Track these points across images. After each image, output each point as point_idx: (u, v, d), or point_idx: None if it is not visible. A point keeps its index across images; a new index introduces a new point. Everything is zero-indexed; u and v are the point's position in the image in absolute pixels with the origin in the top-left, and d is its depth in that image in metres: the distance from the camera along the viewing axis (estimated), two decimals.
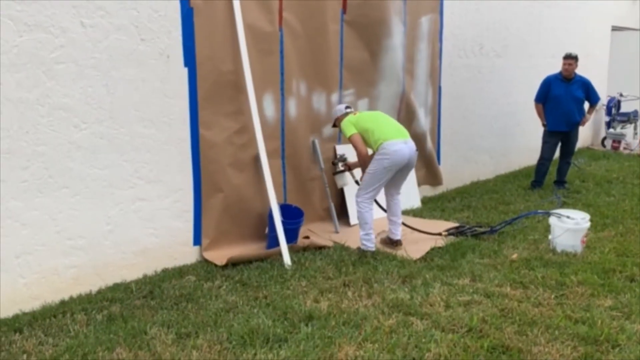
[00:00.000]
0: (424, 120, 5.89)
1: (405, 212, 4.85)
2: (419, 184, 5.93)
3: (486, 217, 4.92)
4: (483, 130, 6.85)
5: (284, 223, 3.89)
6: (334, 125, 4.32)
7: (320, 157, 4.65)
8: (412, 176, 5.68)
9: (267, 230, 4.07)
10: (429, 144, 6.00)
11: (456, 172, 6.50)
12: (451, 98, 6.32)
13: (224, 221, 4.02)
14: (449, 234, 4.47)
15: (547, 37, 7.43)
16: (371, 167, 3.75)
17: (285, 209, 4.16)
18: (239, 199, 4.06)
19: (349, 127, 3.92)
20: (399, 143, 3.73)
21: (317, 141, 4.67)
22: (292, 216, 4.12)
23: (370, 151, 3.85)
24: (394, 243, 4.17)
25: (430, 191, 6.14)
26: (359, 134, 3.81)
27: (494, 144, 6.98)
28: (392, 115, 5.52)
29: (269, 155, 4.14)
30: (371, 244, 3.92)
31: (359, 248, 4.04)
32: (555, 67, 6.58)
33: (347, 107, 4.25)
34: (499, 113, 7.01)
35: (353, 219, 4.56)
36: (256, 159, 4.10)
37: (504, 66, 6.87)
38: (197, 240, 4.01)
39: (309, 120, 4.68)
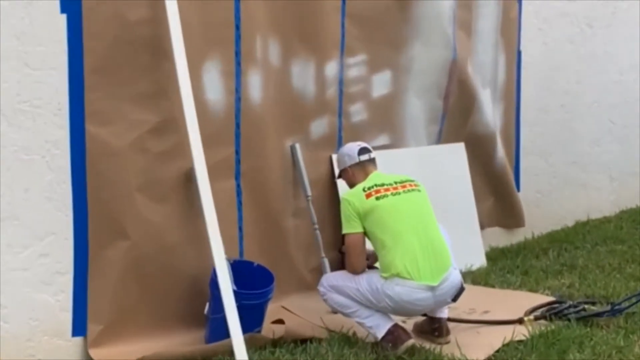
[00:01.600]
0: (490, 112, 5.90)
1: (462, 275, 4.71)
2: (483, 226, 5.89)
3: (603, 287, 4.94)
4: (597, 130, 6.79)
5: (238, 295, 3.94)
6: (339, 177, 4.46)
7: (304, 174, 4.74)
8: (469, 214, 5.64)
9: (207, 307, 4.09)
10: (501, 153, 6.02)
11: (549, 203, 6.50)
12: (539, 72, 6.33)
13: (129, 291, 4.08)
14: (537, 318, 4.44)
15: None
16: (362, 279, 3.98)
17: (241, 270, 4.19)
18: (157, 250, 4.13)
19: (349, 217, 4.05)
20: (423, 291, 3.89)
21: (298, 147, 4.76)
22: (254, 283, 4.15)
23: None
24: (436, 330, 4.15)
25: (503, 238, 6.15)
26: (362, 236, 4.03)
27: (617, 155, 6.92)
28: (435, 105, 5.57)
29: (214, 172, 4.16)
30: (383, 327, 3.95)
31: (375, 344, 4.02)
32: None
33: (362, 151, 4.28)
34: (625, 99, 6.92)
35: None
36: (189, 179, 4.14)
37: (635, 14, 6.81)
38: (79, 328, 3.96)
39: (285, 109, 4.78)
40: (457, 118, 5.65)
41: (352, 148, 4.25)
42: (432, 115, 5.60)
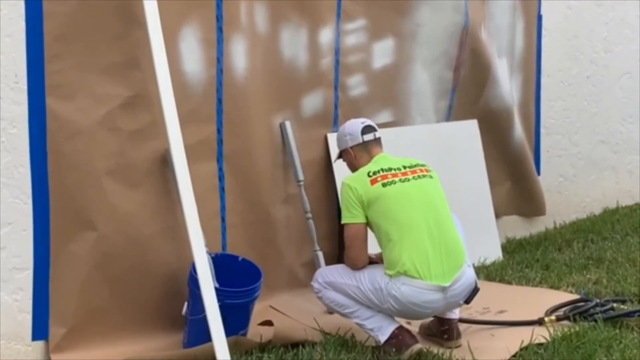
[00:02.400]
0: (507, 85, 5.93)
1: (476, 270, 4.66)
2: (499, 214, 5.93)
3: (634, 283, 4.93)
4: (628, 105, 6.85)
5: (220, 294, 3.89)
6: (340, 157, 4.38)
7: (296, 156, 4.77)
8: (483, 201, 5.64)
9: (185, 308, 4.09)
10: (519, 132, 6.05)
11: (573, 188, 6.54)
12: (563, 39, 6.38)
13: (97, 290, 4.05)
14: (559, 318, 4.43)
15: None
16: (363, 275, 3.98)
17: (224, 265, 4.21)
18: (128, 243, 4.12)
19: (350, 205, 4.01)
20: (433, 292, 3.86)
21: (289, 125, 4.77)
22: (239, 279, 4.15)
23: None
24: (446, 332, 4.15)
25: (521, 228, 6.19)
26: (364, 227, 3.99)
27: None
28: (445, 76, 5.58)
29: (193, 153, 4.17)
30: (386, 330, 3.96)
31: (377, 349, 4.03)
32: None
33: (366, 129, 4.23)
34: None
35: None
36: (165, 163, 4.16)
37: None
38: (40, 331, 3.94)
39: (273, 82, 4.74)
40: (469, 92, 5.67)
41: (354, 126, 4.21)
42: (441, 89, 5.60)
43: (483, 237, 5.51)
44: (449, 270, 3.91)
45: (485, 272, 5.30)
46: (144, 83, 4.10)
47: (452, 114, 5.67)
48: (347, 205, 4.01)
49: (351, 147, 4.18)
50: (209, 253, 4.09)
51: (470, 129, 5.67)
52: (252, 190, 4.67)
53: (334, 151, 4.75)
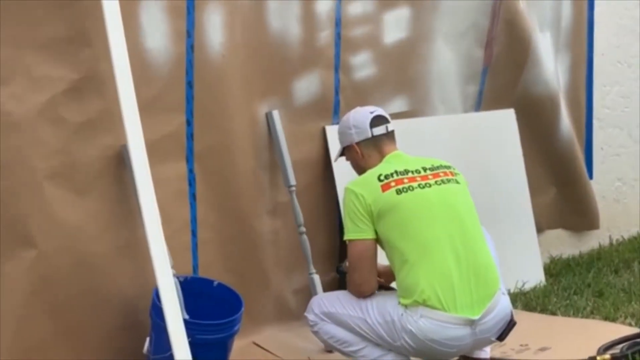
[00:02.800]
0: (552, 66, 5.97)
1: (511, 298, 4.63)
2: (542, 228, 5.98)
3: None
4: None
5: (191, 327, 3.90)
6: (342, 155, 4.35)
7: (285, 154, 4.82)
8: (522, 212, 5.67)
9: (146, 345, 4.13)
10: (566, 124, 6.09)
11: (634, 196, 6.60)
12: (619, 10, 6.46)
13: (37, 321, 4.06)
14: (615, 357, 4.41)
15: None
16: (371, 305, 3.98)
17: (196, 292, 4.27)
18: (75, 263, 4.16)
19: (356, 217, 3.98)
20: (458, 327, 3.84)
21: (277, 115, 4.82)
22: (214, 309, 4.19)
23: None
24: None
25: (569, 244, 6.27)
26: (373, 244, 3.98)
27: None
28: (474, 54, 5.61)
29: (156, 151, 4.25)
30: None
31: None
32: None
33: (377, 121, 4.19)
34: None
35: None
36: (121, 163, 4.23)
37: None
38: None
39: (258, 61, 4.80)
40: (504, 74, 5.70)
41: (361, 117, 4.18)
42: (469, 70, 5.63)
43: (521, 256, 5.52)
44: (478, 300, 3.88)
45: (524, 300, 5.32)
46: (94, 63, 4.11)
47: (482, 101, 5.69)
48: (351, 217, 3.98)
49: (357, 143, 4.15)
50: (177, 276, 4.10)
51: (505, 120, 5.69)
52: (231, 197, 4.69)
53: (334, 148, 4.74)
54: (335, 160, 4.50)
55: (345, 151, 4.25)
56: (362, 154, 4.13)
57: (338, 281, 4.85)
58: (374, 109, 4.26)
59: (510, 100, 5.75)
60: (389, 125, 4.17)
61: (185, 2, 4.44)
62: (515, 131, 5.67)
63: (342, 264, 4.46)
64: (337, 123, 4.70)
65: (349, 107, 4.61)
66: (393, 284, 4.12)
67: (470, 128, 5.54)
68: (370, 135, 4.12)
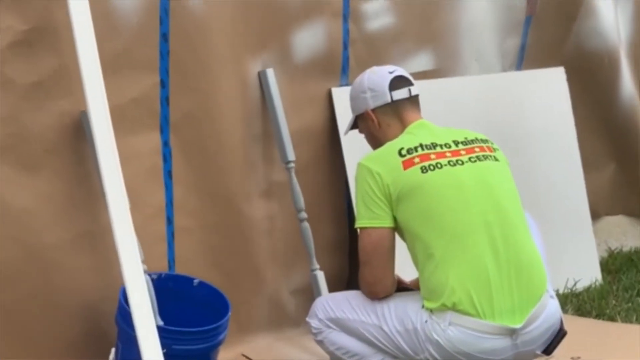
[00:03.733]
0: (611, 16, 5.99)
1: (561, 300, 4.61)
2: (598, 213, 6.05)
3: None
4: None
5: (166, 336, 3.90)
6: (355, 127, 4.36)
7: (283, 124, 4.85)
8: (574, 193, 5.69)
9: (112, 355, 4.19)
10: (628, 86, 6.10)
11: None
12: None
13: None
14: None
15: None
16: (388, 308, 4.01)
17: (173, 292, 4.32)
18: (25, 257, 4.20)
19: (370, 201, 3.98)
20: (496, 337, 3.85)
21: (272, 75, 4.86)
22: (195, 314, 4.25)
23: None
24: None
25: (631, 233, 6.27)
26: (391, 233, 3.99)
27: None
28: (512, 2, 5.55)
29: (124, 119, 4.31)
30: None
31: None
32: None
33: (397, 82, 4.18)
34: None
35: None
36: (80, 133, 4.26)
37: None
38: None
39: (247, 7, 4.82)
40: (551, 25, 5.72)
41: (378, 78, 4.17)
42: (508, 21, 5.64)
43: (573, 249, 5.54)
44: (521, 304, 3.88)
45: (576, 303, 5.33)
46: (47, 11, 4.11)
47: (525, 58, 5.68)
48: (364, 200, 3.98)
49: (373, 110, 4.15)
50: (149, 273, 4.11)
51: (553, 81, 5.69)
52: (215, 175, 4.72)
53: (343, 117, 4.76)
54: (346, 133, 4.48)
55: (358, 121, 4.26)
56: (378, 122, 4.13)
57: (348, 278, 4.81)
58: (393, 68, 4.25)
59: (559, 56, 5.77)
60: (412, 88, 4.16)
61: None
62: (565, 94, 5.68)
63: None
64: (346, 84, 4.73)
65: (361, 65, 4.65)
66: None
67: (509, 91, 5.55)
68: (389, 99, 4.11)
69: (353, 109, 4.26)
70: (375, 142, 4.15)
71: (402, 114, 4.11)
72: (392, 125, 4.10)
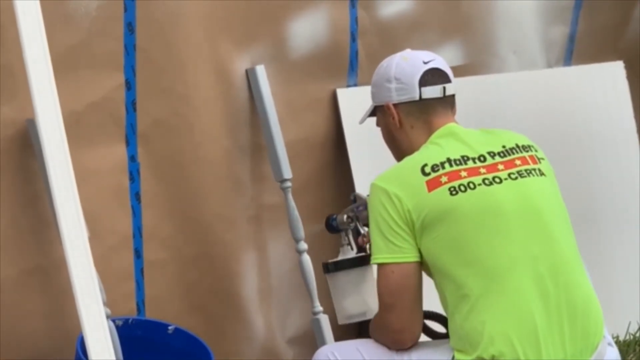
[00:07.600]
0: None
1: (621, 349, 4.74)
2: None
3: None
4: None
5: None
6: (373, 114, 4.34)
7: (277, 134, 4.89)
8: (633, 211, 5.68)
9: None
10: None
11: None
12: None
13: None
14: None
15: None
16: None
17: (143, 342, 4.38)
18: None
19: (389, 230, 3.94)
20: None
21: (262, 72, 4.95)
22: None
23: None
24: None
25: None
26: (417, 269, 3.96)
27: None
28: None
29: (82, 128, 4.41)
30: None
31: None
32: None
33: (431, 75, 4.13)
34: None
35: None
36: (27, 146, 4.34)
37: None
38: None
39: None
40: (607, 10, 5.76)
41: (409, 67, 4.10)
42: (553, 6, 5.68)
43: (635, 283, 5.51)
44: (574, 356, 3.89)
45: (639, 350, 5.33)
46: None
47: (575, 50, 5.71)
48: (382, 230, 3.95)
49: (395, 105, 4.13)
50: (113, 319, 4.16)
51: (610, 77, 5.73)
52: (192, 198, 4.76)
53: (352, 125, 4.80)
54: (362, 121, 4.46)
55: (377, 112, 4.24)
56: (400, 121, 4.09)
57: (359, 323, 4.82)
58: (431, 56, 4.20)
59: (618, 49, 5.80)
60: (448, 86, 4.11)
61: None
62: (625, 93, 5.71)
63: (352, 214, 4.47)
64: (354, 85, 4.74)
65: (372, 60, 4.64)
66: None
67: (557, 89, 5.58)
68: (417, 96, 4.06)
69: (373, 98, 4.23)
70: (392, 142, 4.16)
71: (431, 116, 4.07)
72: (416, 128, 4.07)
